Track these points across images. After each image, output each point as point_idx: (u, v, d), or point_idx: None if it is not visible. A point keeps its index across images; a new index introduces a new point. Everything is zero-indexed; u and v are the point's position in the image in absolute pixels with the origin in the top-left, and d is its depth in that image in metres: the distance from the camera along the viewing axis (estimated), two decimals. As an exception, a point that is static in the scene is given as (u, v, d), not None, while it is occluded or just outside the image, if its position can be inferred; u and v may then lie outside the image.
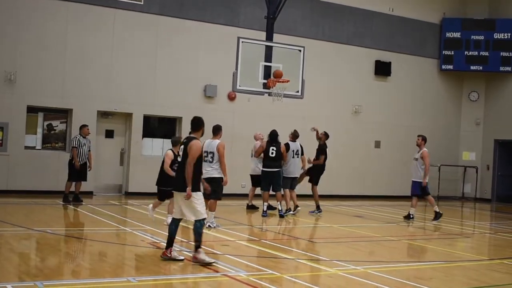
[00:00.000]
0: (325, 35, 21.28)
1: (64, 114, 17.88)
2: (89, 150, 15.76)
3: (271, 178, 14.78)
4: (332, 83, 21.45)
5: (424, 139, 15.32)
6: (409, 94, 23.12)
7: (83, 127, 15.81)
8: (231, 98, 19.64)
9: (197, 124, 9.19)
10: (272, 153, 14.69)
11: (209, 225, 11.93)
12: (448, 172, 23.69)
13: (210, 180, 11.95)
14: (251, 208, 15.94)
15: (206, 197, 11.02)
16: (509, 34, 23.00)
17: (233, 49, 15.37)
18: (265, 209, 14.74)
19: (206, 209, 10.33)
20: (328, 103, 21.34)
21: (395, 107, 22.80)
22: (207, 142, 12.09)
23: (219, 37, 19.23)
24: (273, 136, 14.97)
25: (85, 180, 15.78)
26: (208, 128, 10.17)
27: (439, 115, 23.77)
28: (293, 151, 15.27)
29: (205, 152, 11.64)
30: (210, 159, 12.02)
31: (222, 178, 12.16)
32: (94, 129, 17.39)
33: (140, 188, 18.10)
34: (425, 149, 15.20)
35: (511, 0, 23.50)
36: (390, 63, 22.44)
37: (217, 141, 12.16)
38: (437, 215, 15.49)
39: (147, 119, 18.92)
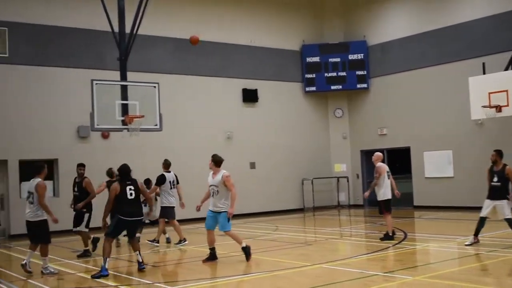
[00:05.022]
0: (191, 70, 21.33)
1: None
2: None
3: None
4: (204, 113, 21.49)
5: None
6: (278, 116, 23.44)
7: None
8: (104, 136, 19.40)
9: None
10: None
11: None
12: (324, 184, 24.16)
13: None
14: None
15: None
16: (361, 55, 23.77)
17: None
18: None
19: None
20: (202, 132, 21.36)
21: (265, 129, 23.02)
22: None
23: (83, 80, 18.84)
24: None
25: None
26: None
27: (309, 133, 24.20)
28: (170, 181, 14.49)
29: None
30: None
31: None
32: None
33: (23, 230, 17.53)
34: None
35: (362, 25, 24.29)
36: (256, 90, 22.71)
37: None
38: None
39: (23, 163, 18.38)
